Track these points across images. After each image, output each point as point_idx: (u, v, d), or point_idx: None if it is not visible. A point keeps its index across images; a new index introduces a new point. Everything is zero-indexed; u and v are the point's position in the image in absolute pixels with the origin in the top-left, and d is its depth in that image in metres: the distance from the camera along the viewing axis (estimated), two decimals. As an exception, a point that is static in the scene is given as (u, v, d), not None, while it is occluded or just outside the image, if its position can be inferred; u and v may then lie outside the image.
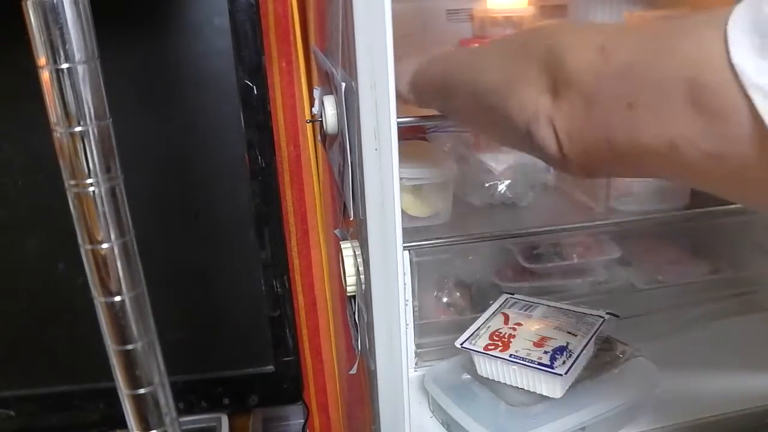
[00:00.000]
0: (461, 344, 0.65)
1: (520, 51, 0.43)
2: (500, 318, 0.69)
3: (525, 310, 0.70)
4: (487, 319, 0.69)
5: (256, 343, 0.87)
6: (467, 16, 0.95)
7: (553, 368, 0.59)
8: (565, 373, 0.59)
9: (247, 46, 0.75)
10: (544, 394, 0.61)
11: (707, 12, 0.30)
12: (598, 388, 0.63)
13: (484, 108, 0.45)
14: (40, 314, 0.82)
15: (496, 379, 0.64)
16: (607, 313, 0.67)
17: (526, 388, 0.62)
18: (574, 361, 0.60)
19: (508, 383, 0.63)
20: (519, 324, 0.67)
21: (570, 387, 0.62)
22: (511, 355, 0.62)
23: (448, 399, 0.64)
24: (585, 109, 0.35)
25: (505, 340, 0.65)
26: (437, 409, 0.67)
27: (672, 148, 0.32)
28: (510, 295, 0.73)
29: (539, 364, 0.60)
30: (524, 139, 0.40)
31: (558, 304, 0.70)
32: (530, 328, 0.67)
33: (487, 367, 0.64)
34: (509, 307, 0.71)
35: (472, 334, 0.66)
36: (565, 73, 0.36)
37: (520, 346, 0.63)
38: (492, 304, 0.72)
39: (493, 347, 0.64)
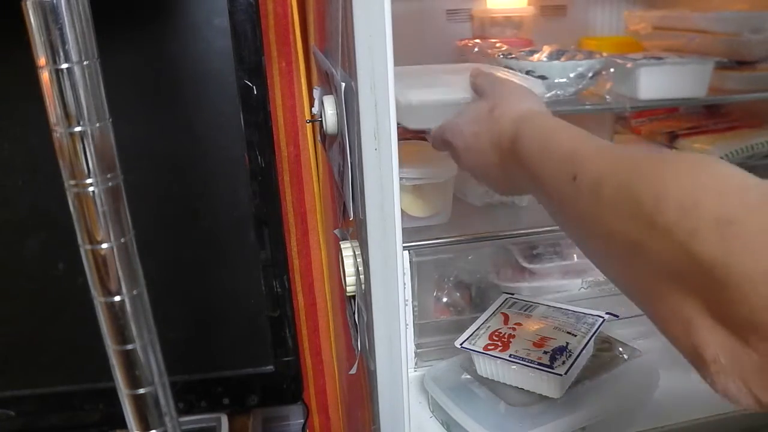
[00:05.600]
0: (461, 344, 0.65)
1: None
2: (500, 318, 0.69)
3: (525, 310, 0.70)
4: (486, 319, 0.69)
5: (256, 343, 0.87)
6: (467, 16, 0.96)
7: (552, 368, 0.59)
8: (565, 373, 0.59)
9: (247, 46, 0.75)
10: (544, 394, 0.61)
11: None
12: (598, 388, 0.63)
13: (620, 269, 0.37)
14: (40, 314, 0.82)
15: (495, 379, 0.64)
16: (607, 313, 0.67)
17: (525, 388, 0.62)
18: (574, 361, 0.60)
19: (507, 383, 0.63)
20: (519, 324, 0.67)
21: (570, 387, 0.62)
22: (510, 355, 0.62)
23: (448, 399, 0.64)
24: None
25: (505, 340, 0.65)
26: (437, 409, 0.67)
27: None
28: (510, 295, 0.73)
29: (539, 364, 0.60)
30: (687, 355, 0.32)
31: (558, 304, 0.70)
32: (530, 328, 0.67)
33: (486, 367, 0.64)
34: (509, 307, 0.71)
35: (471, 334, 0.66)
36: (746, 314, 0.28)
37: (519, 346, 0.63)
38: (492, 304, 0.72)
39: (492, 347, 0.64)
